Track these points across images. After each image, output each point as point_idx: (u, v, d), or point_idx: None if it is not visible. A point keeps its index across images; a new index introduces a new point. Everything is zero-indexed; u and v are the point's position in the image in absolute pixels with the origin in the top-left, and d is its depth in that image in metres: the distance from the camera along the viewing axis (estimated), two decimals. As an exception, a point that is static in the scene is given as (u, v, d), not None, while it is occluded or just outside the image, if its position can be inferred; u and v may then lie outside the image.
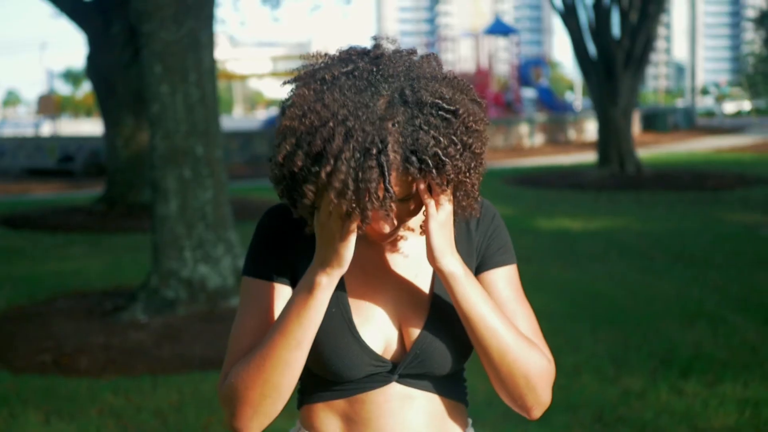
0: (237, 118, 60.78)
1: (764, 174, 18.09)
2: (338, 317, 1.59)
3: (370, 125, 1.37)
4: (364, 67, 1.44)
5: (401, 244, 1.66)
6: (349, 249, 1.47)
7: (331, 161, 1.37)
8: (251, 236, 1.68)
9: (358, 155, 1.36)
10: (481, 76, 33.25)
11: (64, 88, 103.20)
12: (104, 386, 5.43)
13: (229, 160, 21.17)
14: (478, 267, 1.68)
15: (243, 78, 56.17)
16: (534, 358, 1.58)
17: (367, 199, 1.37)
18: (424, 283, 1.65)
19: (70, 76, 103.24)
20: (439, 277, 1.56)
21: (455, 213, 1.56)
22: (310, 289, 1.50)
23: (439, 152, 1.41)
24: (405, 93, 1.42)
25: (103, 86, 14.57)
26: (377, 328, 1.61)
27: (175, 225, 7.24)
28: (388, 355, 1.61)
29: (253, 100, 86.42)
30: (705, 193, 15.33)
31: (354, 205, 1.38)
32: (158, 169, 7.30)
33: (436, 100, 1.42)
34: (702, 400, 4.88)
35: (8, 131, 43.23)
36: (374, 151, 1.37)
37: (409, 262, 1.66)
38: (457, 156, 1.43)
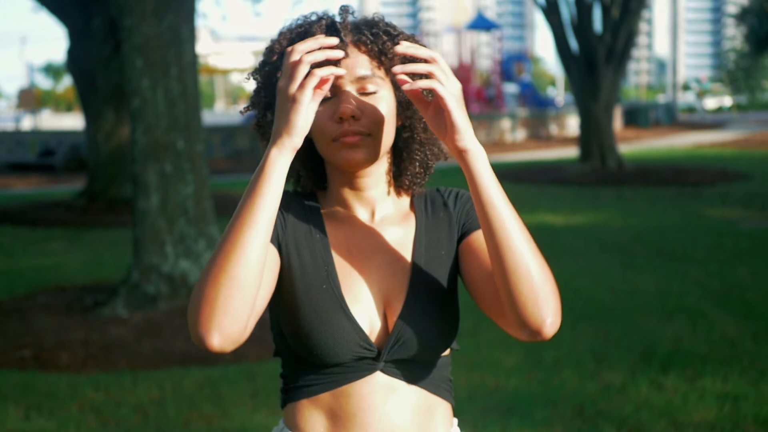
0: (219, 113, 60.61)
1: (744, 169, 18.18)
2: (329, 293, 1.59)
3: (318, 19, 1.62)
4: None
5: (385, 227, 1.67)
6: (300, 116, 1.45)
7: (282, 31, 1.64)
8: None
9: (306, 23, 1.62)
10: (464, 71, 33.22)
11: (44, 82, 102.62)
12: (84, 382, 5.41)
13: (211, 155, 21.15)
14: (463, 234, 1.68)
15: (225, 72, 56.10)
16: (548, 268, 1.52)
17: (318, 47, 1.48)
18: (405, 266, 1.65)
19: (51, 70, 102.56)
20: (460, 159, 1.50)
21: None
22: (262, 163, 1.48)
23: (390, 29, 1.63)
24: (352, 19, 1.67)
25: (83, 80, 14.49)
26: (364, 309, 1.61)
27: (156, 220, 7.21)
28: (373, 339, 1.60)
29: (235, 95, 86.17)
30: (686, 188, 15.40)
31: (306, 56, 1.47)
32: (139, 163, 7.27)
33: (381, 18, 1.69)
34: (682, 394, 4.91)
35: (-12, 125, 42.92)
36: (324, 20, 1.60)
37: (392, 245, 1.66)
38: (407, 38, 1.63)
